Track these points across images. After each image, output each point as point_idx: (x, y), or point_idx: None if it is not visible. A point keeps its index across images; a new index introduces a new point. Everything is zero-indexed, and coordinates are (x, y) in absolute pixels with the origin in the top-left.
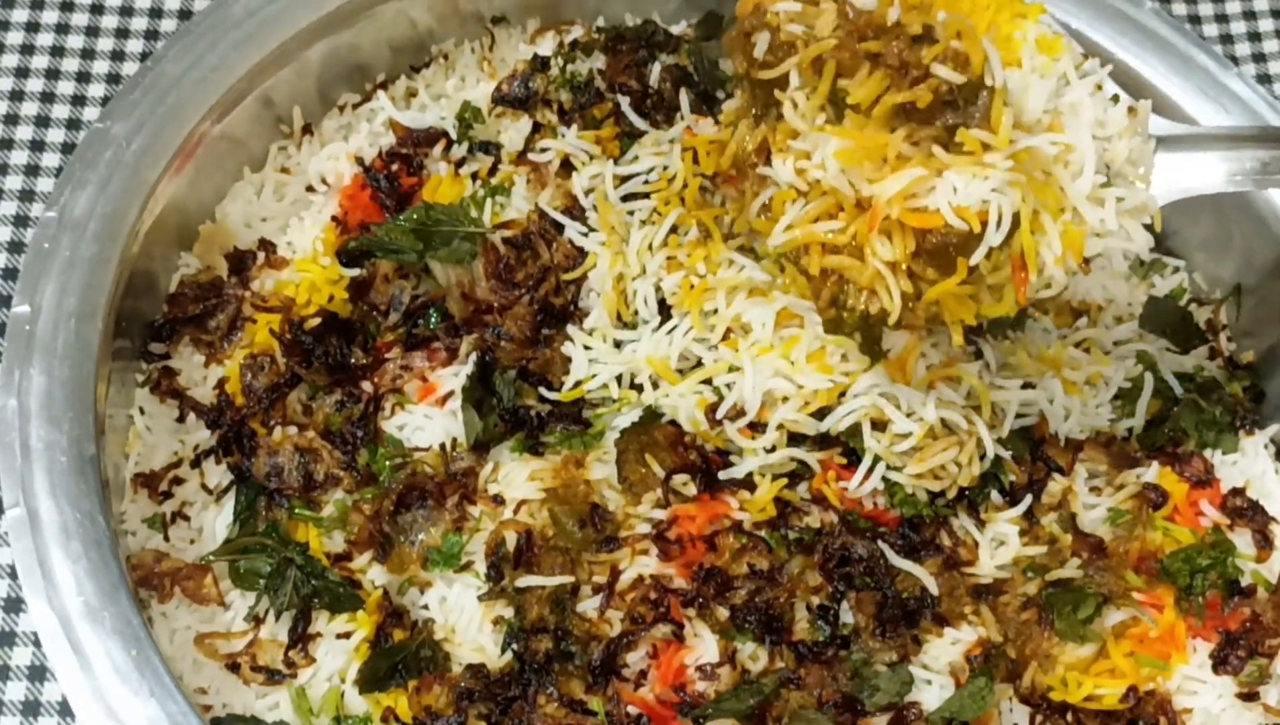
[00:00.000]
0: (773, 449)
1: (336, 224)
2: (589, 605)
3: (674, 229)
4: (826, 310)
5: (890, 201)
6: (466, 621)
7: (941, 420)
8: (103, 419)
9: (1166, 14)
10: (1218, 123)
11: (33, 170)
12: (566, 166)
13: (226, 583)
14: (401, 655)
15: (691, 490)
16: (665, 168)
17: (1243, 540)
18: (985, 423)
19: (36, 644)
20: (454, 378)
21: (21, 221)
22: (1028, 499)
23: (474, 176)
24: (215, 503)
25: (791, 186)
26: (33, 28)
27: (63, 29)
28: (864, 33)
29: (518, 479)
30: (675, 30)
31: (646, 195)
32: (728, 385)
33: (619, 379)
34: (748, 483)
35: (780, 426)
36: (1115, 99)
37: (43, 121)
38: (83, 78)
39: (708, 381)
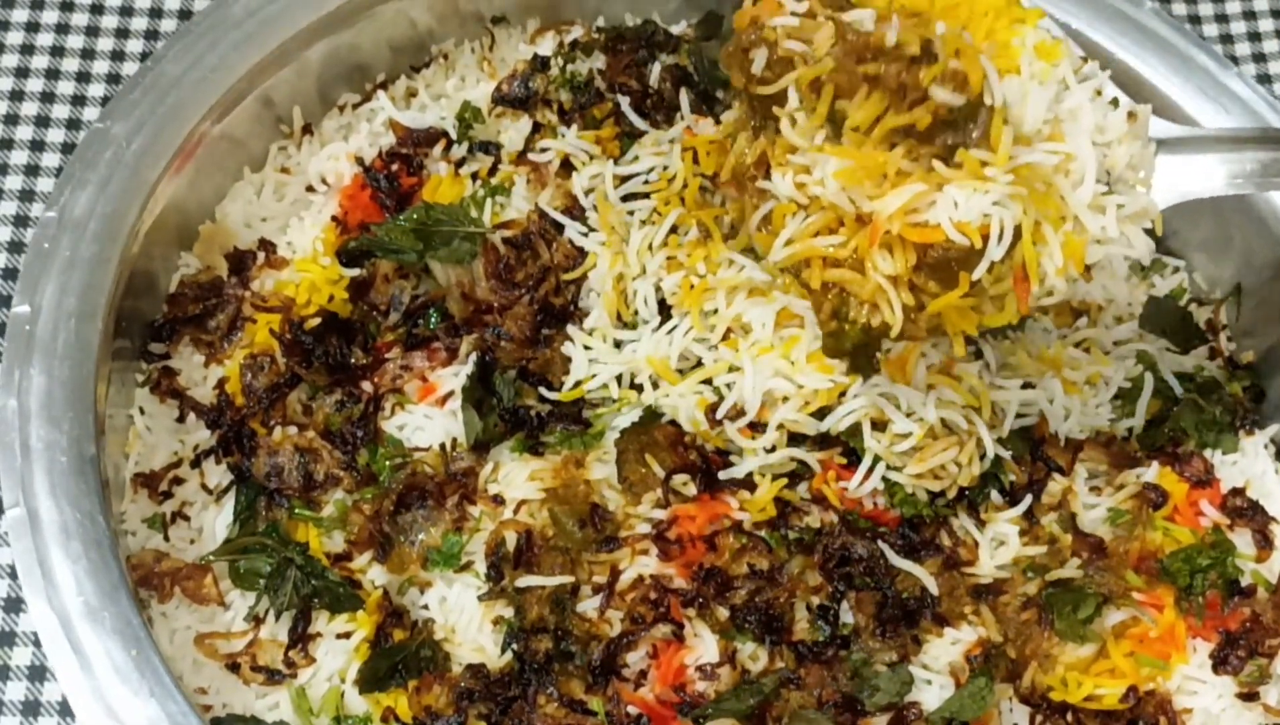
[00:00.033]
0: (773, 449)
1: (336, 224)
2: (589, 605)
3: (674, 229)
4: (828, 323)
5: (891, 217)
6: (466, 621)
7: (941, 420)
8: (103, 419)
9: (1166, 14)
10: (1218, 123)
11: (33, 170)
12: (566, 166)
13: (226, 583)
14: (401, 655)
15: (691, 490)
16: (665, 168)
17: (1243, 540)
18: (985, 423)
19: (36, 644)
20: (454, 378)
21: (21, 221)
22: (1028, 499)
23: (474, 176)
24: (215, 503)
25: (791, 200)
26: (33, 28)
27: (63, 29)
28: (862, 54)
29: (518, 479)
30: (675, 30)
31: (646, 195)
32: (728, 385)
33: (619, 379)
34: (748, 483)
35: (780, 426)
36: (1115, 103)
37: (43, 121)
38: (83, 78)
39: (708, 381)
